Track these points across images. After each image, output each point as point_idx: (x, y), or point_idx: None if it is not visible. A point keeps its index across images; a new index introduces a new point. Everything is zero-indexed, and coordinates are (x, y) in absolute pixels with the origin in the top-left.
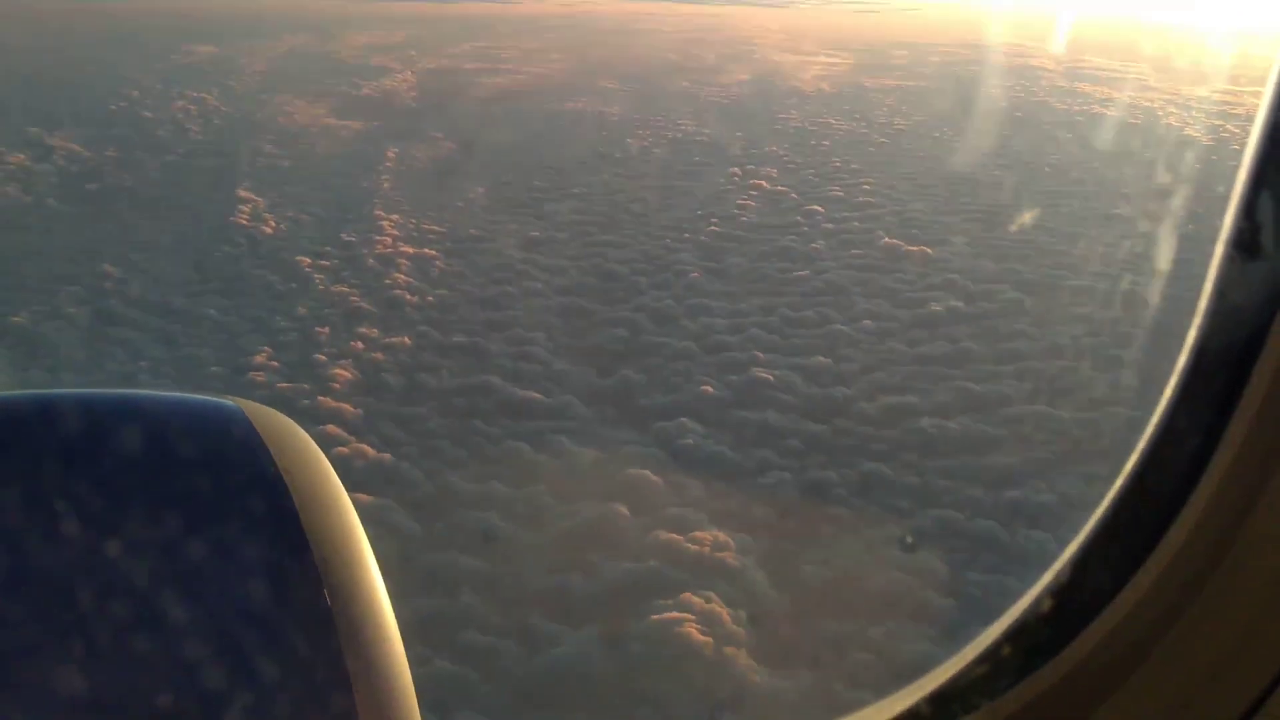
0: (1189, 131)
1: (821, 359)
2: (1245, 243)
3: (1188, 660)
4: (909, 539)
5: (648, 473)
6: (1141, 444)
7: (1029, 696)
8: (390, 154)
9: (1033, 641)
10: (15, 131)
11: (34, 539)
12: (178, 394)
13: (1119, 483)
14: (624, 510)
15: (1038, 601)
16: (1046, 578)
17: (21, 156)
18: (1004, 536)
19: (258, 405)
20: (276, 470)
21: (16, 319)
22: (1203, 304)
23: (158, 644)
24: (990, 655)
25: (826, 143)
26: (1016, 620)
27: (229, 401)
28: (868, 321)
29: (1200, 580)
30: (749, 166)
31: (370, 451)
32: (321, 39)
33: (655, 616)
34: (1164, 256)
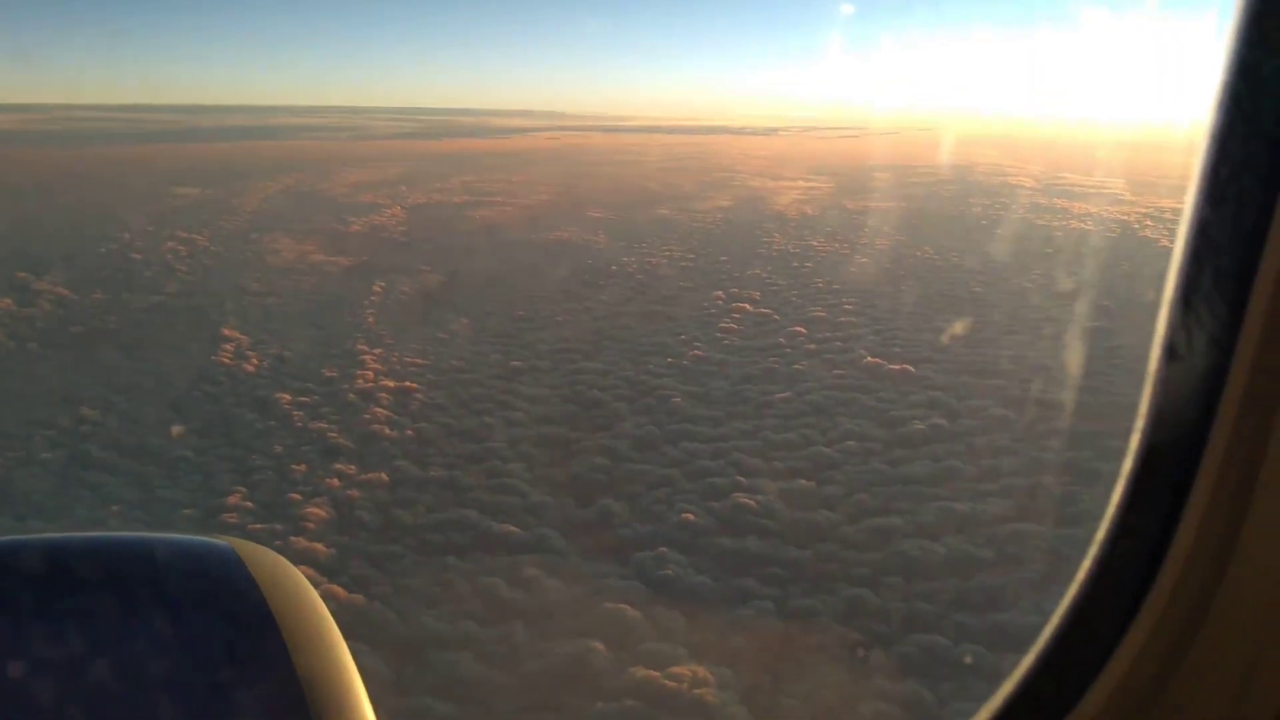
0: (1163, 244)
1: (804, 482)
2: (1172, 348)
3: None
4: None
5: (626, 606)
6: (1095, 547)
7: None
8: (376, 288)
9: None
10: (3, 277)
11: (29, 683)
12: (169, 535)
13: (1073, 589)
14: (600, 646)
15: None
16: (1009, 682)
17: (8, 301)
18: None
19: (250, 544)
20: (268, 610)
21: None
22: (1142, 408)
23: None
24: None
25: (809, 264)
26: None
27: (221, 541)
28: (851, 442)
29: (1159, 686)
30: (732, 290)
31: (342, 593)
32: (314, 177)
33: None
34: (1147, 369)
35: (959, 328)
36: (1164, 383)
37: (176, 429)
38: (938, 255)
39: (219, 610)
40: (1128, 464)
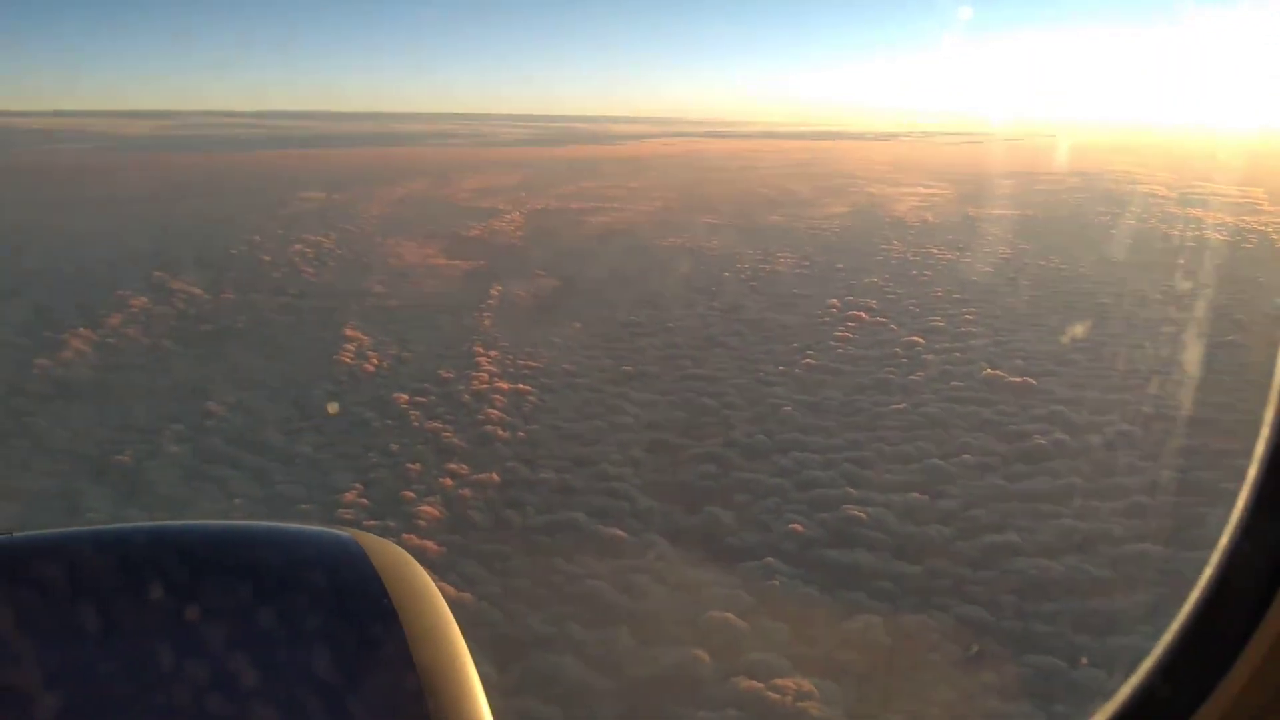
0: None
1: (917, 495)
2: None
3: None
4: (974, 648)
5: (731, 615)
6: (1217, 553)
7: None
8: (493, 292)
9: None
10: (141, 276)
11: (159, 666)
12: (296, 526)
13: (1195, 595)
14: (704, 655)
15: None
16: (1118, 695)
17: (144, 300)
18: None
19: (373, 537)
20: (389, 601)
21: (120, 457)
22: (1268, 413)
23: None
24: None
25: (929, 273)
26: None
27: (345, 533)
28: (967, 456)
29: None
30: (848, 298)
31: (451, 591)
32: (437, 183)
33: None
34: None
35: (1084, 339)
36: None
37: (332, 406)
38: (1064, 264)
39: (342, 600)
40: (1252, 471)
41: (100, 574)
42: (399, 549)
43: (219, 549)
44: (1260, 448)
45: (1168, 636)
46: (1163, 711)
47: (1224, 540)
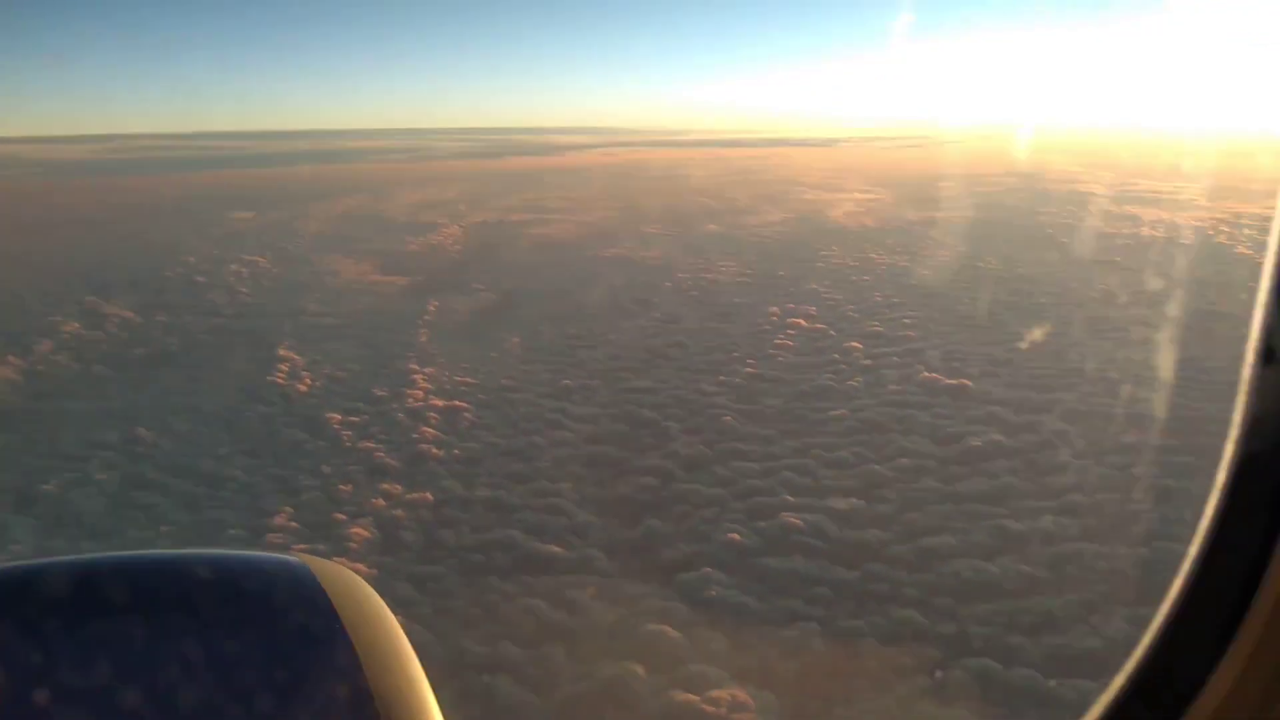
0: (1240, 250)
1: (855, 501)
2: (1269, 351)
3: None
4: (938, 673)
5: (667, 628)
6: (1188, 563)
7: None
8: (430, 307)
9: None
10: (74, 301)
11: (99, 705)
12: (241, 552)
13: (1165, 608)
14: (640, 670)
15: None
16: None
17: (76, 325)
18: (1046, 687)
19: (323, 561)
20: (342, 628)
21: (46, 486)
22: (1236, 416)
23: None
24: None
25: (867, 278)
26: None
27: (295, 559)
28: (904, 460)
29: (1262, 709)
30: (788, 305)
31: None
32: (374, 199)
33: None
34: (1217, 380)
35: (1020, 341)
36: (1260, 387)
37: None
38: (1001, 266)
39: (293, 628)
40: (1221, 475)
41: (30, 611)
42: (351, 573)
43: (159, 579)
44: (1229, 449)
45: (1144, 645)
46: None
47: (1196, 545)
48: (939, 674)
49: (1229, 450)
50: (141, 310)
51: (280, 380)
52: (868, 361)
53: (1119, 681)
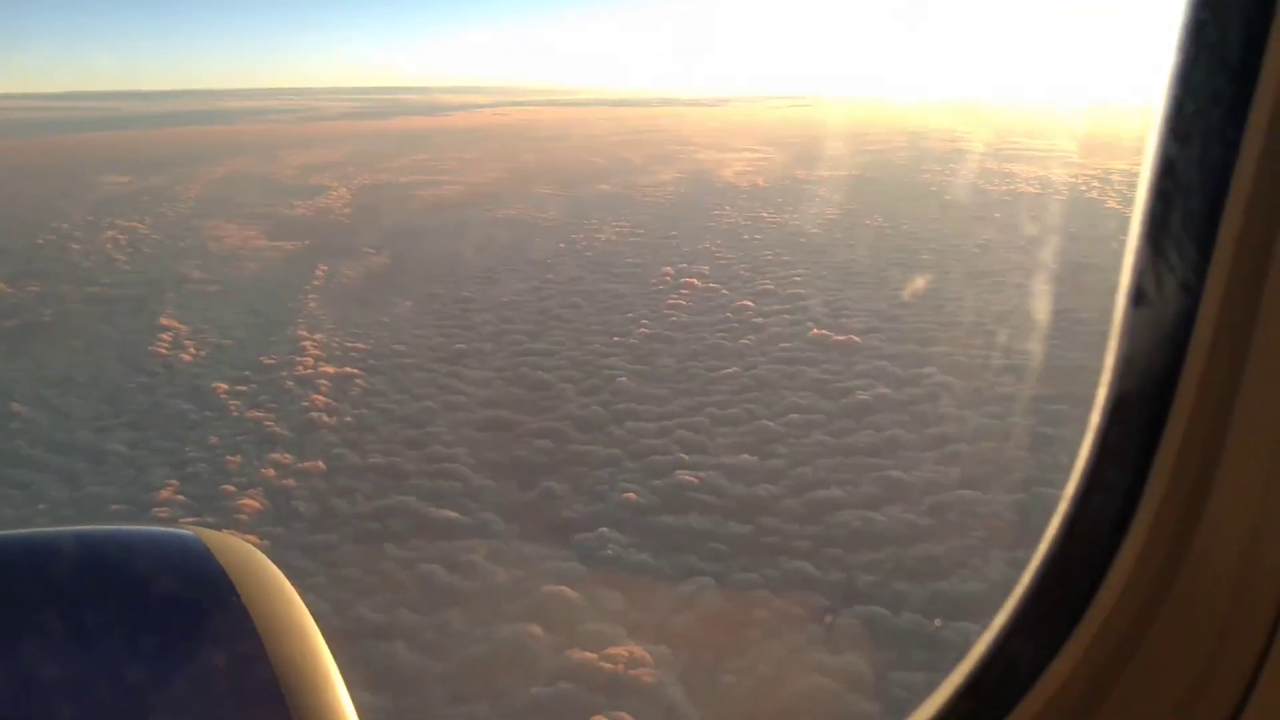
0: (1110, 204)
1: (747, 457)
2: (1138, 293)
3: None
4: (828, 619)
5: (565, 588)
6: (1065, 503)
7: None
8: (319, 272)
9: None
10: None
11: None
12: (130, 527)
13: (1043, 548)
14: (538, 630)
15: (968, 680)
16: (974, 653)
17: None
18: (931, 631)
19: (216, 533)
20: (238, 599)
21: None
22: (1109, 359)
23: None
24: None
25: (759, 236)
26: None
27: (187, 531)
28: (794, 415)
29: (1136, 637)
30: (681, 265)
31: None
32: (259, 161)
33: None
34: (1093, 330)
35: (905, 295)
36: (1131, 329)
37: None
38: (886, 222)
39: (187, 601)
40: (1095, 417)
41: None
42: (244, 543)
43: (43, 557)
44: (1102, 392)
45: (1017, 593)
46: (1018, 668)
47: (1069, 491)
48: (829, 620)
49: (1102, 392)
50: (11, 280)
51: (163, 350)
52: (759, 319)
53: (1001, 618)
